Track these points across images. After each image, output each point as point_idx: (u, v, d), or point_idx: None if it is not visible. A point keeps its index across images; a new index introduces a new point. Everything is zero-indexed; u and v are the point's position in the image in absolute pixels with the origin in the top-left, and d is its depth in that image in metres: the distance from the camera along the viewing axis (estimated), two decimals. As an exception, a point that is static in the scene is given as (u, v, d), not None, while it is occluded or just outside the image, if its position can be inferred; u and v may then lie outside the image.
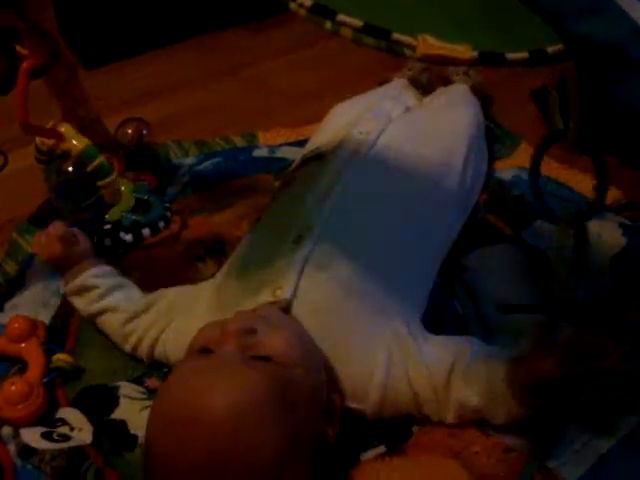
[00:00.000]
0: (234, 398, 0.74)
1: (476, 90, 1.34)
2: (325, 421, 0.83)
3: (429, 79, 1.40)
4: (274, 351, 0.81)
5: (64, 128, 1.06)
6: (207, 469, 0.71)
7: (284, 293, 0.91)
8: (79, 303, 1.07)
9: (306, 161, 1.16)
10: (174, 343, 0.98)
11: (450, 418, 0.90)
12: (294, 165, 1.23)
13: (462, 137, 1.18)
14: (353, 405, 0.90)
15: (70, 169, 1.18)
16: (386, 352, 0.89)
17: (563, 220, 1.08)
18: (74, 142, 1.05)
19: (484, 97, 1.35)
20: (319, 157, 1.13)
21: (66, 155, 1.08)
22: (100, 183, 1.06)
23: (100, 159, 1.05)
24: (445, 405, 0.89)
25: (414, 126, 1.20)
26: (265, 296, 0.92)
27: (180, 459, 0.72)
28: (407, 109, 1.27)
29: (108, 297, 1.05)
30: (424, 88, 1.39)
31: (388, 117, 1.21)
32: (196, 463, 0.71)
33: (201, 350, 0.83)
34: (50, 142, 1.08)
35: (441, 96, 1.34)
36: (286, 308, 0.91)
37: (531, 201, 1.22)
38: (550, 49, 0.62)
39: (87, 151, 1.05)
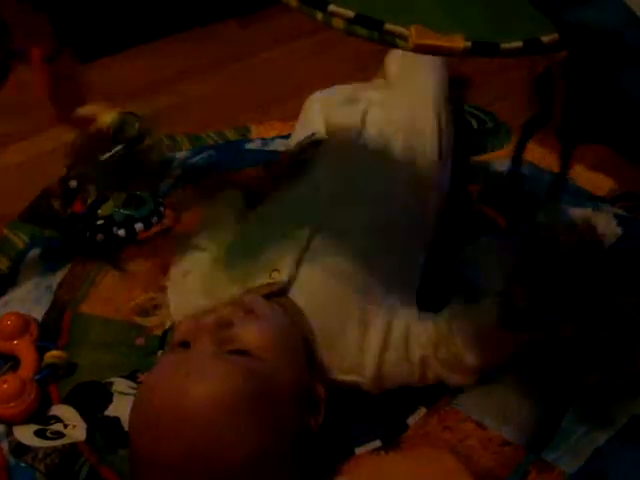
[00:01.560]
0: (209, 393, 0.74)
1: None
2: (307, 411, 0.83)
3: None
4: (251, 344, 0.80)
5: (95, 108, 1.04)
6: (184, 464, 0.71)
7: (281, 276, 0.92)
8: None
9: (303, 149, 1.16)
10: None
11: (446, 374, 0.92)
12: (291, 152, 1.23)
13: (429, 107, 1.19)
14: (350, 378, 0.91)
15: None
16: (380, 325, 0.91)
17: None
18: (106, 117, 1.03)
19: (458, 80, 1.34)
20: (315, 144, 1.14)
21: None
22: (143, 147, 1.04)
23: (136, 125, 1.04)
24: (440, 364, 0.91)
25: (390, 110, 1.20)
26: (262, 278, 0.93)
27: (157, 454, 0.72)
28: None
29: None
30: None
31: (368, 102, 1.22)
32: (173, 458, 0.71)
33: (180, 344, 0.82)
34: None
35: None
36: (282, 290, 0.91)
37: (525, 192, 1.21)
38: (545, 38, 0.62)
39: (121, 119, 1.03)
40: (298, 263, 0.93)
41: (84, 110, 1.03)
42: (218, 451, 0.71)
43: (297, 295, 0.92)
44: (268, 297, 0.90)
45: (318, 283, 0.93)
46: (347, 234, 0.97)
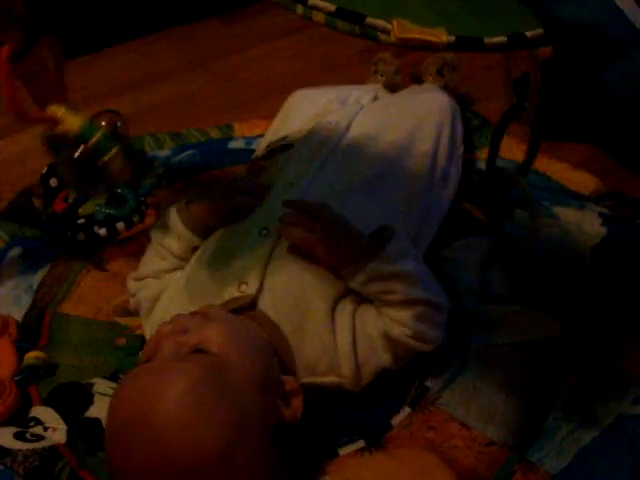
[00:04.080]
0: (170, 393, 0.74)
1: (450, 90, 1.34)
2: (276, 402, 0.82)
3: (402, 81, 1.40)
4: (207, 343, 0.81)
5: (58, 110, 1.02)
6: (155, 468, 0.71)
7: (250, 288, 0.92)
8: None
9: (273, 151, 1.15)
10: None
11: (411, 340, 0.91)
12: (260, 153, 1.22)
13: (432, 121, 1.18)
14: (329, 379, 0.90)
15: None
16: (346, 322, 0.90)
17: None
18: (70, 122, 1.01)
19: (459, 97, 1.35)
20: (287, 147, 1.13)
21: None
22: (104, 159, 1.03)
23: (99, 134, 1.02)
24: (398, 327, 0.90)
25: (383, 113, 1.20)
26: (231, 291, 0.92)
27: (128, 464, 0.73)
28: (376, 98, 1.26)
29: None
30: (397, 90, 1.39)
31: (358, 104, 1.21)
32: (144, 464, 0.72)
33: (146, 361, 0.84)
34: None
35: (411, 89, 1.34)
36: (252, 303, 0.91)
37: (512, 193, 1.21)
38: (529, 33, 0.61)
39: (84, 128, 1.02)
40: (264, 272, 0.93)
41: (49, 110, 1.01)
42: (187, 448, 0.71)
43: (267, 305, 0.91)
44: (239, 311, 0.91)
45: (283, 292, 0.92)
46: None
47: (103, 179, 1.02)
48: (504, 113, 1.00)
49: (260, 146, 1.25)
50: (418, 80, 1.40)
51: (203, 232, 1.01)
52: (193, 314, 0.88)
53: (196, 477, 0.72)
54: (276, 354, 0.88)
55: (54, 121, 0.99)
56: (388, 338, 0.90)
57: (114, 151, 1.00)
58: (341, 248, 0.90)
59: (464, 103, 1.37)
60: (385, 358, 0.91)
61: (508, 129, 1.12)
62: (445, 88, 1.35)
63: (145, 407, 0.74)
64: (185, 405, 0.74)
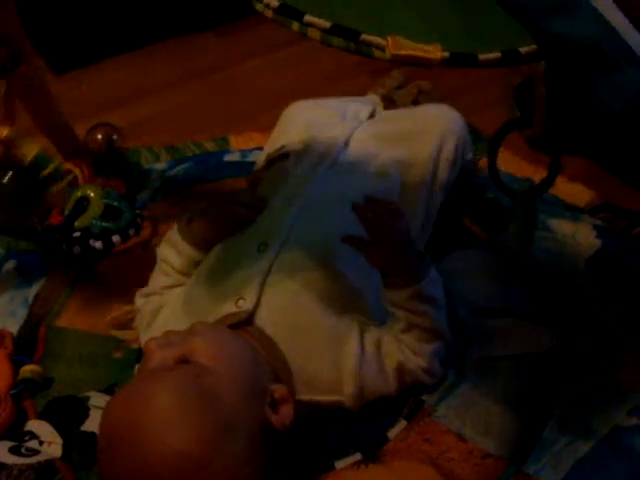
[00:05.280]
0: (149, 401, 0.77)
1: None
2: (265, 410, 0.82)
3: (401, 97, 1.40)
4: (190, 354, 0.82)
5: (12, 133, 1.02)
6: (134, 475, 0.73)
7: (247, 304, 0.92)
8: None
9: (272, 161, 1.15)
10: None
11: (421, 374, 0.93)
12: (259, 166, 1.22)
13: (435, 132, 1.17)
14: (329, 398, 0.91)
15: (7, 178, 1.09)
16: (353, 342, 0.90)
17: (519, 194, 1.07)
18: (26, 148, 1.01)
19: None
20: (285, 156, 1.13)
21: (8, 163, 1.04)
22: (55, 188, 1.03)
23: (55, 164, 1.02)
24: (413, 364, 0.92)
25: (383, 128, 1.19)
26: (228, 307, 0.93)
27: (111, 472, 0.75)
28: (374, 111, 1.26)
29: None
30: (395, 106, 1.38)
31: (356, 120, 1.21)
32: (125, 472, 0.74)
33: None
34: None
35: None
36: (248, 319, 0.92)
37: (506, 205, 1.21)
38: (523, 49, 0.61)
39: (41, 157, 1.02)
40: (262, 288, 0.93)
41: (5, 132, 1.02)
42: (166, 454, 0.73)
43: (264, 321, 0.92)
44: (235, 327, 0.91)
45: (281, 308, 0.93)
46: (314, 250, 0.96)
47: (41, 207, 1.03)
48: (502, 125, 1.00)
49: (260, 159, 1.25)
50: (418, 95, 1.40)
51: (204, 247, 1.02)
52: (181, 331, 0.88)
53: None
54: (270, 365, 0.88)
55: (11, 144, 0.99)
56: (401, 368, 0.91)
57: (64, 182, 1.01)
58: (400, 257, 0.91)
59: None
60: (393, 387, 0.92)
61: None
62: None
63: (126, 417, 0.76)
64: (164, 412, 0.75)
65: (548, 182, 1.01)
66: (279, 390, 0.85)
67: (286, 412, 0.83)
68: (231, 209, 1.03)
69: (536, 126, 0.93)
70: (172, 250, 1.03)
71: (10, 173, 1.06)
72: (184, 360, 0.82)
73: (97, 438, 0.80)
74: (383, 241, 0.90)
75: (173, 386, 0.78)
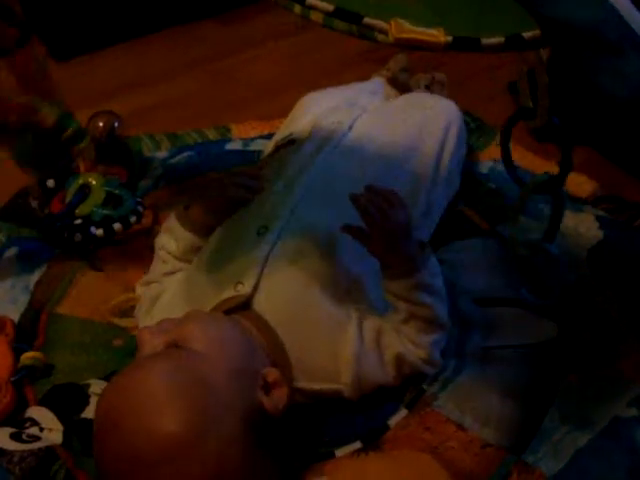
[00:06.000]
0: (138, 384, 0.77)
1: None
2: (257, 393, 0.82)
3: (407, 79, 1.40)
4: (180, 339, 0.82)
5: (28, 100, 1.03)
6: (125, 458, 0.73)
7: (245, 288, 0.92)
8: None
9: (278, 148, 1.16)
10: None
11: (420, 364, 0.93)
12: (267, 153, 1.22)
13: (440, 120, 1.18)
14: (328, 386, 0.90)
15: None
16: (352, 331, 0.90)
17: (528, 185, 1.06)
18: (46, 113, 1.02)
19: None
20: (291, 143, 1.13)
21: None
22: (76, 148, 1.03)
23: (75, 126, 1.02)
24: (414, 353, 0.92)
25: (388, 114, 1.20)
26: (228, 291, 0.92)
27: (104, 457, 0.75)
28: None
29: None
30: (402, 88, 1.38)
31: (363, 109, 1.21)
32: (115, 456, 0.74)
33: None
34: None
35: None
36: (246, 303, 0.91)
37: (507, 194, 1.21)
38: (526, 34, 0.61)
39: (63, 118, 1.02)
40: (261, 272, 0.92)
41: (24, 99, 1.03)
42: (156, 436, 0.73)
43: (262, 306, 0.91)
44: (232, 311, 0.91)
45: (280, 293, 0.92)
46: (315, 235, 0.96)
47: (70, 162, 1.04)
48: (510, 116, 0.99)
49: (267, 147, 1.25)
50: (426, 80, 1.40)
51: (202, 232, 1.02)
52: (174, 319, 0.89)
53: (168, 464, 0.72)
54: (265, 351, 0.88)
55: (29, 109, 1.00)
56: (401, 359, 0.91)
57: (86, 141, 1.02)
58: (399, 247, 0.90)
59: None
60: (391, 377, 0.92)
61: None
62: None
63: (117, 402, 0.76)
64: (153, 395, 0.75)
65: (562, 175, 1.00)
66: (272, 374, 0.84)
67: (279, 395, 0.83)
68: (227, 191, 1.03)
69: (539, 116, 0.93)
70: (169, 237, 1.04)
71: (29, 136, 1.07)
72: (174, 345, 0.82)
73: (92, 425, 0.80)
74: (381, 232, 0.89)
75: (162, 369, 0.78)
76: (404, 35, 0.57)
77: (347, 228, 0.91)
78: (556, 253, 1.03)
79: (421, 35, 0.58)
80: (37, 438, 0.92)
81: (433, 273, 0.92)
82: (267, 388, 0.83)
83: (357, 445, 0.91)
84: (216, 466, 0.74)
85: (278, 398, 0.83)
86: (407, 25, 0.57)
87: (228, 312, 0.91)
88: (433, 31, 0.58)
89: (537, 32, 0.61)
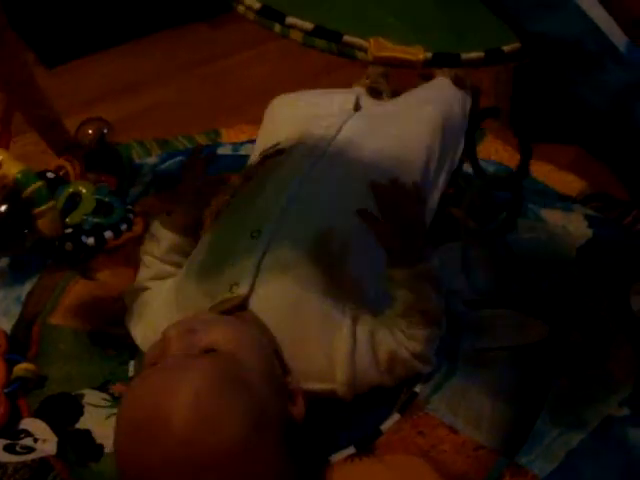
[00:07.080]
0: (189, 390, 0.74)
1: (459, 81, 1.32)
2: (284, 400, 0.83)
3: (385, 87, 1.40)
4: (216, 342, 0.82)
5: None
6: (174, 464, 0.71)
7: (241, 289, 0.92)
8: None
9: (266, 157, 1.15)
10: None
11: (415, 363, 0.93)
12: (253, 161, 1.21)
13: (425, 132, 1.16)
14: (322, 386, 0.90)
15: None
16: (345, 332, 0.91)
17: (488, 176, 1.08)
18: (8, 167, 0.97)
19: (469, 88, 1.33)
20: (279, 153, 1.12)
21: None
22: (36, 211, 0.98)
23: (38, 184, 0.97)
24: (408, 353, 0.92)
25: (376, 120, 1.19)
26: (223, 293, 0.92)
27: (146, 460, 0.72)
28: (358, 101, 1.25)
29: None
30: (383, 94, 1.38)
31: (344, 110, 1.21)
32: (163, 460, 0.71)
33: (151, 365, 0.83)
34: None
35: (414, 91, 1.33)
36: (243, 304, 0.91)
37: (495, 193, 1.22)
38: (506, 48, 0.61)
39: (23, 176, 0.97)
40: (256, 273, 0.93)
41: None
42: (210, 443, 0.72)
43: (258, 307, 0.92)
44: (230, 312, 0.91)
45: (276, 294, 0.93)
46: (306, 239, 0.96)
47: (31, 231, 0.99)
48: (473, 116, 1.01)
49: (253, 154, 1.25)
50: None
51: (182, 231, 1.06)
52: (194, 316, 0.89)
53: (219, 471, 0.72)
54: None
55: None
56: (394, 357, 0.91)
57: (50, 204, 0.97)
58: (408, 238, 0.92)
59: (475, 94, 1.36)
60: (385, 376, 0.92)
61: (493, 131, 1.12)
62: (455, 80, 1.33)
63: (164, 405, 0.73)
64: (205, 400, 0.74)
65: (522, 168, 1.01)
66: (292, 381, 0.85)
67: (300, 403, 0.84)
68: (190, 186, 1.11)
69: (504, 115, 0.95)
70: (151, 241, 1.07)
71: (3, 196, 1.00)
72: (211, 349, 0.81)
73: (118, 427, 0.77)
74: (395, 221, 0.91)
75: (208, 374, 0.76)
76: (383, 54, 0.58)
77: (362, 212, 0.92)
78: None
79: (400, 53, 0.58)
80: (31, 449, 0.91)
81: (437, 266, 0.94)
82: (291, 395, 0.84)
83: (351, 450, 0.91)
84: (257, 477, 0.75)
85: (300, 405, 0.84)
86: (387, 43, 0.58)
87: (224, 313, 0.91)
88: (412, 49, 0.58)
89: (517, 45, 0.61)
